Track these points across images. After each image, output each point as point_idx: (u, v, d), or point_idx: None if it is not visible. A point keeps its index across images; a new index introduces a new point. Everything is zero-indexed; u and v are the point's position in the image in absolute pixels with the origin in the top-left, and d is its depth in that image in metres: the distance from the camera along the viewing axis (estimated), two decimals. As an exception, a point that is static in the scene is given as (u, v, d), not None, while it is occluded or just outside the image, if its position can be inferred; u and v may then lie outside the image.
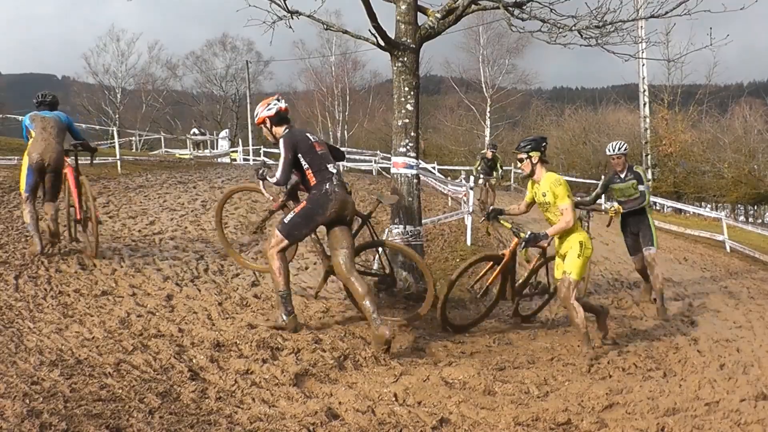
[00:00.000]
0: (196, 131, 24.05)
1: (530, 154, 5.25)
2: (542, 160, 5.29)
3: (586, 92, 48.77)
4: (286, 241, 4.93)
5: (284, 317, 4.87)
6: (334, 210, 4.93)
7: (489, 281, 5.97)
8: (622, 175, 7.11)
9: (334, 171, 5.03)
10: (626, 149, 7.17)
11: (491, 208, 5.91)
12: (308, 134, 5.17)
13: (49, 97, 6.67)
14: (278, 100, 5.18)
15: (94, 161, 8.28)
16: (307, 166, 4.97)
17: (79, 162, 6.71)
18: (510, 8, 6.45)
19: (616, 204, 7.25)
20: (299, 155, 4.97)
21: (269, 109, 5.14)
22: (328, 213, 4.92)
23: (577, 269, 5.09)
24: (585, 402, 3.88)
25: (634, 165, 7.20)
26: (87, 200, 6.40)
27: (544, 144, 5.33)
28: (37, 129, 6.38)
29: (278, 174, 4.95)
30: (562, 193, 5.09)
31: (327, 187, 4.92)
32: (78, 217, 6.45)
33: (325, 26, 6.87)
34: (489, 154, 13.69)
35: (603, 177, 7.52)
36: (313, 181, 4.97)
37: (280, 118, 5.14)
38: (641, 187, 7.01)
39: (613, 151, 7.12)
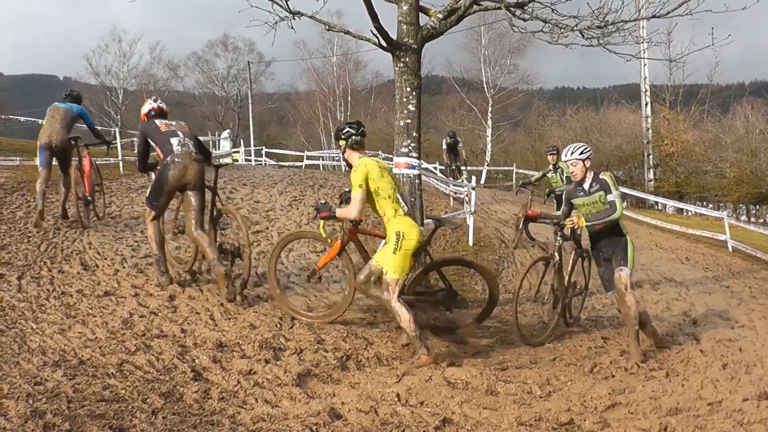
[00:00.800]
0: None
1: (338, 143, 4.89)
2: (352, 147, 4.88)
3: (588, 92, 48.71)
4: (152, 212, 5.68)
5: (160, 277, 5.70)
6: (175, 177, 5.48)
7: (318, 265, 5.43)
8: (586, 187, 5.38)
9: (175, 142, 5.56)
10: (585, 153, 5.34)
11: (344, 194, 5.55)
12: (158, 120, 5.74)
13: (74, 92, 8.19)
14: (154, 101, 5.97)
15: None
16: (156, 146, 5.63)
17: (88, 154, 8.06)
18: (512, 9, 6.46)
19: (575, 218, 5.40)
20: (149, 141, 5.69)
21: (144, 108, 5.94)
22: (172, 180, 5.48)
23: (394, 266, 4.56)
24: (587, 402, 3.88)
25: (601, 172, 5.45)
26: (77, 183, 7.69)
27: (347, 130, 4.89)
28: (48, 116, 7.66)
29: (138, 162, 6.07)
30: (354, 180, 4.65)
31: (168, 159, 5.50)
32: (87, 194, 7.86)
33: (327, 27, 6.87)
34: (551, 159, 10.27)
35: (564, 192, 5.79)
36: (161, 157, 5.59)
37: (153, 115, 5.84)
38: (610, 197, 5.24)
39: (567, 156, 5.38)
